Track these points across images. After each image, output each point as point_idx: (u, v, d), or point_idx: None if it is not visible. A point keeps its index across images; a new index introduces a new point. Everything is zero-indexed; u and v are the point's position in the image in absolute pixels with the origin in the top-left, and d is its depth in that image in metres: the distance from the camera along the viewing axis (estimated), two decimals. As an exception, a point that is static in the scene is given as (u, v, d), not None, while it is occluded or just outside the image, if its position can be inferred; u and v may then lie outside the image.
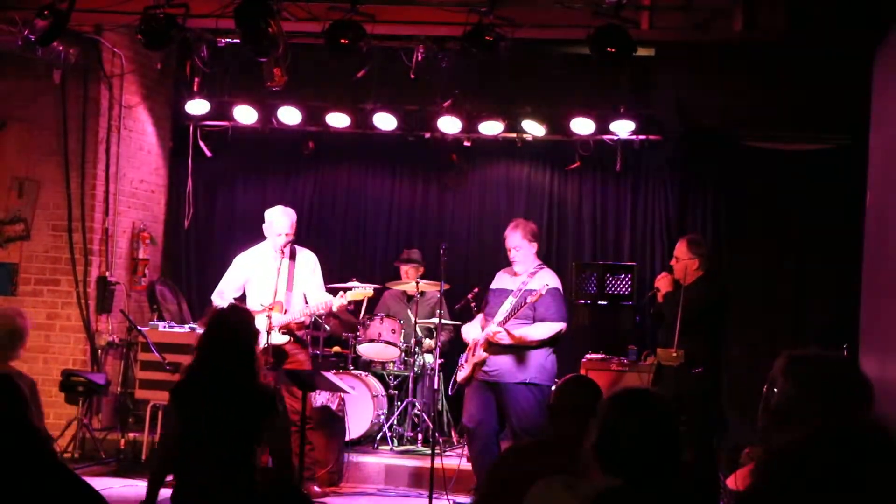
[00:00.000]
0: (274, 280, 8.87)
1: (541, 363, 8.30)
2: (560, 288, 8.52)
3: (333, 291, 9.00)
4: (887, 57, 7.95)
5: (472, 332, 8.61)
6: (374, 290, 9.32)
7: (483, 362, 8.36)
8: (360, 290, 9.03)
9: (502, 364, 8.31)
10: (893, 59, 7.72)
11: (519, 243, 8.49)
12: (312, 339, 9.94)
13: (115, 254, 10.74)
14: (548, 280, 8.35)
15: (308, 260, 9.08)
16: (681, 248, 8.73)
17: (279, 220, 8.92)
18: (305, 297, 8.92)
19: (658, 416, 3.33)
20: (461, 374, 8.56)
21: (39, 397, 6.90)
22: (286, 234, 8.88)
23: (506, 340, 8.19)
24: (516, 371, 8.27)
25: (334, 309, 9.02)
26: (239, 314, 6.01)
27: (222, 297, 9.02)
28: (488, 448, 8.29)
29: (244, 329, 5.85)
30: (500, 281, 8.70)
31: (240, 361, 5.70)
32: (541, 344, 8.31)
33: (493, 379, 8.34)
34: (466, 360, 8.53)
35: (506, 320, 8.25)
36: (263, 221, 8.62)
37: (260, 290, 8.82)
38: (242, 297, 9.02)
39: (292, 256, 8.99)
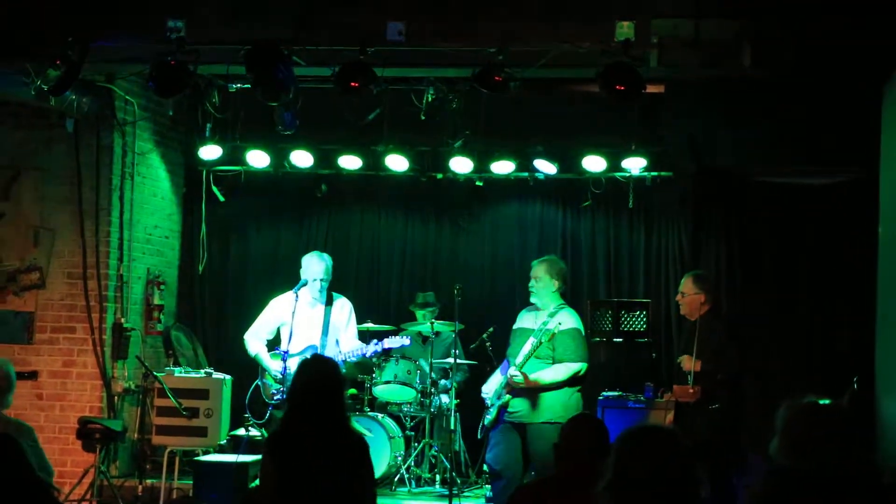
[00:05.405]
0: (308, 325, 8.88)
1: (564, 402, 8.31)
2: (580, 328, 8.54)
3: (369, 338, 9.03)
4: (895, 92, 7.95)
5: (488, 387, 8.68)
6: (388, 331, 9.34)
7: (507, 404, 8.38)
8: (398, 340, 9.11)
9: (526, 405, 8.34)
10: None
11: (540, 275, 8.53)
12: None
13: (130, 300, 10.75)
14: (564, 319, 8.38)
15: (343, 307, 9.15)
16: (687, 284, 8.77)
17: (312, 265, 8.99)
18: (339, 343, 8.96)
19: (672, 453, 3.32)
20: (488, 418, 8.58)
21: (39, 445, 6.98)
22: (319, 280, 8.93)
23: (522, 384, 8.21)
24: (540, 411, 8.30)
25: (368, 356, 9.08)
26: (322, 364, 5.92)
27: (256, 337, 9.12)
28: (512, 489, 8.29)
29: (329, 378, 5.73)
30: (522, 321, 8.73)
31: (329, 410, 5.58)
32: (560, 384, 8.32)
33: (517, 420, 8.36)
34: (492, 404, 8.55)
35: (525, 360, 8.27)
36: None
37: (293, 335, 8.81)
38: (276, 339, 9.05)
39: (328, 302, 9.03)
